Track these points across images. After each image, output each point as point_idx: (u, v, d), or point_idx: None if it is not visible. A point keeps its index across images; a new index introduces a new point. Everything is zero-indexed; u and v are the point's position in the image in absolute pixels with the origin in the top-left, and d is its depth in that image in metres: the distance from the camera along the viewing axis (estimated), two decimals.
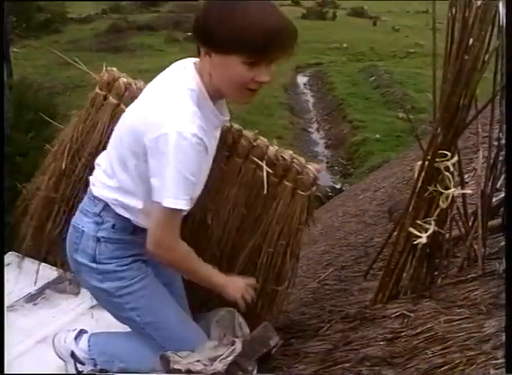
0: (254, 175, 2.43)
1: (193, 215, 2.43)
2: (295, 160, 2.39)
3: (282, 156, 2.40)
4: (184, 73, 2.07)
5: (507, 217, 2.15)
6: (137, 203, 2.13)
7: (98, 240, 2.21)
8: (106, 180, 2.20)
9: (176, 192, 1.95)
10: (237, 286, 2.30)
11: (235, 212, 2.51)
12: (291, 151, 2.44)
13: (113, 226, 2.20)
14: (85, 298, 3.33)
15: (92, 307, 3.22)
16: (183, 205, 1.97)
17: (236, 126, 2.46)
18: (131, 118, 2.10)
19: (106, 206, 2.19)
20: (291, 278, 2.58)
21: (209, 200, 2.48)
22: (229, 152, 2.41)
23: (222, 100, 2.17)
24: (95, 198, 2.23)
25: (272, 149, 2.41)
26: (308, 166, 2.41)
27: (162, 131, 1.91)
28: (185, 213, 2.05)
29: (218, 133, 2.22)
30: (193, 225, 2.53)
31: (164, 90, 2.05)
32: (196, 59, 2.11)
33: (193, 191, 2.04)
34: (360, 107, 23.34)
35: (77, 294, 3.75)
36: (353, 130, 20.45)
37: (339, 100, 24.37)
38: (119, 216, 2.18)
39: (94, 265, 2.23)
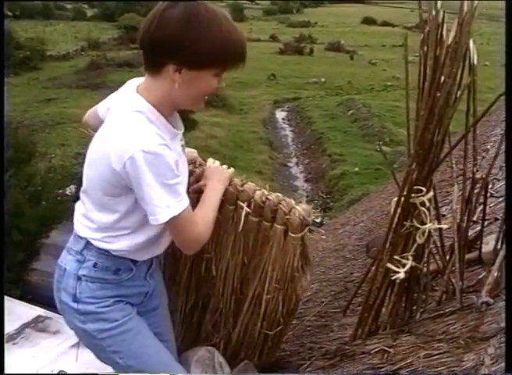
0: (247, 221, 2.43)
1: (199, 266, 2.55)
2: (282, 201, 2.38)
3: (267, 198, 2.40)
4: (128, 99, 2.08)
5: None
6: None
7: (79, 278, 2.20)
8: (84, 220, 2.20)
9: (164, 204, 1.96)
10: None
11: (234, 260, 2.52)
12: (279, 194, 2.44)
13: (94, 265, 2.19)
14: (65, 337, 3.30)
15: (73, 346, 3.20)
16: (179, 207, 1.99)
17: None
18: (95, 156, 2.10)
19: (88, 244, 2.18)
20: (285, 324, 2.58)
21: (211, 250, 2.52)
22: (221, 201, 2.41)
23: (174, 113, 2.19)
24: (77, 235, 2.22)
25: (259, 193, 2.40)
26: (296, 206, 2.40)
27: (127, 156, 1.91)
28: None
29: (177, 145, 2.19)
30: (199, 277, 2.61)
31: (114, 120, 2.04)
32: (136, 80, 2.14)
33: (182, 187, 2.05)
34: (338, 140, 23.53)
35: (57, 332, 3.72)
36: (332, 163, 20.59)
37: (318, 134, 24.59)
38: (101, 254, 2.17)
39: (75, 305, 2.21)
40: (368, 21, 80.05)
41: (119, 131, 1.97)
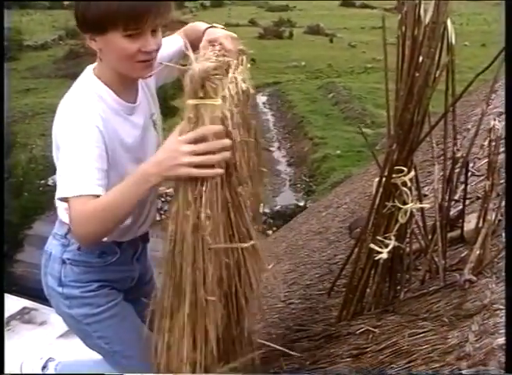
0: None
1: None
2: None
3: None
4: (79, 77, 2.13)
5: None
6: None
7: (64, 262, 2.21)
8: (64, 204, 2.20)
9: (66, 180, 1.87)
10: None
11: None
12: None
13: (79, 248, 2.19)
14: (52, 328, 3.30)
15: (60, 336, 3.20)
16: (74, 191, 1.83)
17: None
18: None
19: (71, 228, 2.18)
20: None
21: None
22: None
23: (131, 88, 2.18)
24: (60, 220, 2.23)
25: None
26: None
27: (56, 129, 1.97)
28: (89, 197, 1.84)
29: (138, 120, 2.18)
30: None
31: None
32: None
33: (98, 173, 1.90)
34: (320, 124, 23.58)
35: (43, 323, 3.72)
36: (314, 146, 20.66)
37: (299, 118, 24.64)
38: None
39: (60, 289, 2.22)
40: (347, 4, 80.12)
41: (60, 107, 2.01)
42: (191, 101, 1.71)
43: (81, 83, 2.09)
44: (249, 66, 2.26)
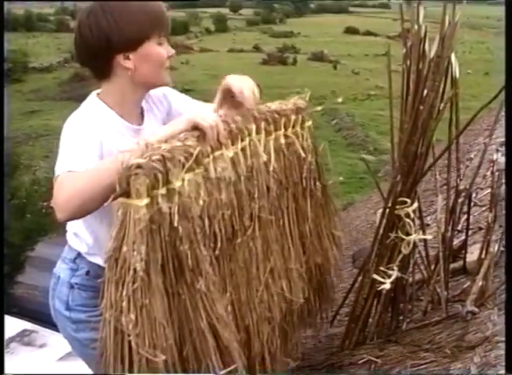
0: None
1: None
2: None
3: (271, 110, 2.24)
4: (84, 102, 2.15)
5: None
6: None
7: (72, 286, 2.22)
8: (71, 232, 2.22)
9: (63, 160, 1.90)
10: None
11: None
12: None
13: (87, 273, 2.21)
14: (52, 350, 3.29)
15: (60, 359, 3.19)
16: (65, 167, 1.86)
17: None
18: None
19: (80, 253, 2.20)
20: None
21: None
22: None
23: (135, 110, 2.20)
24: (69, 245, 2.24)
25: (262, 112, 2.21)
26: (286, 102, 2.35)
27: (61, 141, 1.98)
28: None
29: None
30: None
31: None
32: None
33: (88, 158, 1.89)
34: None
35: (43, 346, 3.71)
36: None
37: None
38: (94, 263, 2.19)
39: (67, 313, 2.23)
40: (351, 31, 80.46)
41: (64, 128, 2.03)
42: (118, 201, 1.62)
43: (86, 105, 2.13)
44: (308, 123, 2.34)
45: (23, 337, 4.06)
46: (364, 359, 2.26)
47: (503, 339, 1.88)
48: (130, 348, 1.67)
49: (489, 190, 2.36)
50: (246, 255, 2.09)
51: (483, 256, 2.31)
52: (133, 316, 1.63)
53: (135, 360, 1.66)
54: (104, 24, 2.00)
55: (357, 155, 22.24)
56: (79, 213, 1.82)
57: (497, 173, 2.27)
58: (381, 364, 2.17)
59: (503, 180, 2.29)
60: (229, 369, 1.89)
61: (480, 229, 2.94)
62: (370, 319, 2.41)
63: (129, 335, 1.65)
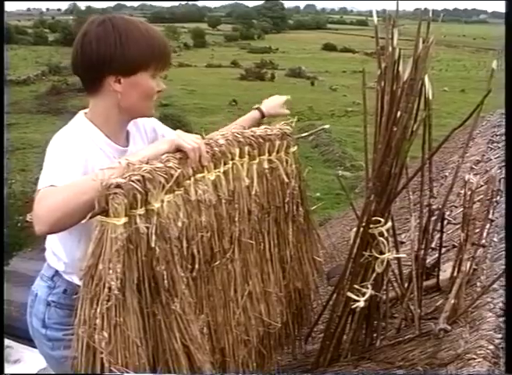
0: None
1: None
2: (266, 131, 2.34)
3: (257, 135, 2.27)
4: (71, 121, 2.17)
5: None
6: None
7: (49, 304, 2.22)
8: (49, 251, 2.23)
9: (46, 175, 1.92)
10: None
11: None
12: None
13: (64, 292, 2.21)
14: (26, 366, 3.27)
15: None
16: (46, 182, 1.87)
17: None
18: None
19: (58, 271, 2.21)
20: None
21: None
22: None
23: (122, 132, 2.22)
24: (48, 263, 2.25)
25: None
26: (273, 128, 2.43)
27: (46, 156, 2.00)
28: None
29: None
30: None
31: None
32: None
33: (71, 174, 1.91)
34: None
35: (17, 361, 3.69)
36: None
37: None
38: (71, 281, 2.19)
39: (43, 330, 2.23)
40: (329, 47, 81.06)
41: (49, 145, 2.04)
42: (96, 218, 1.65)
43: (73, 123, 2.15)
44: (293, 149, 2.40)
45: None
46: None
47: (475, 357, 1.91)
48: (102, 365, 1.67)
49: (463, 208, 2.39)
50: (224, 277, 2.11)
51: (455, 274, 2.34)
52: (106, 334, 1.64)
53: None
54: (111, 41, 2.01)
55: (333, 171, 22.34)
56: (58, 227, 1.82)
57: (469, 193, 2.30)
58: None
59: (476, 198, 2.33)
60: None
61: (454, 247, 2.98)
62: (344, 337, 2.43)
63: (101, 352, 1.65)
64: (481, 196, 2.70)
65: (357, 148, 24.85)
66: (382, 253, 2.25)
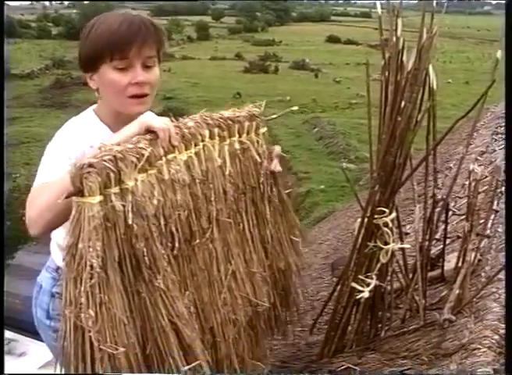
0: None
1: None
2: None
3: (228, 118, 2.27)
4: (80, 114, 2.20)
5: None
6: None
7: (53, 295, 2.23)
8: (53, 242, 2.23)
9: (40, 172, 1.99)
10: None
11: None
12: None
13: None
14: (31, 359, 3.28)
15: (40, 367, 3.18)
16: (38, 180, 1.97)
17: None
18: None
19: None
20: None
21: None
22: None
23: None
24: (53, 255, 2.26)
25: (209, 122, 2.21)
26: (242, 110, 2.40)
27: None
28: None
29: None
30: None
31: None
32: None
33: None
34: (304, 158, 23.64)
35: (23, 355, 3.70)
36: (297, 181, 20.64)
37: (283, 152, 24.65)
38: None
39: (48, 322, 2.24)
40: (333, 39, 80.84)
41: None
42: (73, 199, 1.67)
43: (79, 117, 2.16)
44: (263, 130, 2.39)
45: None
46: (343, 367, 2.28)
47: (480, 347, 1.91)
48: (92, 345, 1.68)
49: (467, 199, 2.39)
50: (206, 257, 2.12)
51: (460, 265, 2.34)
52: (92, 312, 1.66)
53: (97, 358, 1.68)
54: (81, 41, 2.06)
55: (338, 163, 22.31)
56: (49, 228, 1.90)
57: (474, 183, 2.30)
58: (359, 372, 2.19)
59: (481, 189, 2.33)
60: (192, 364, 1.90)
61: (458, 237, 2.97)
62: (349, 327, 2.43)
63: (89, 331, 1.67)
64: (486, 187, 2.70)
65: (361, 140, 24.81)
66: (386, 244, 2.25)
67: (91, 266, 1.64)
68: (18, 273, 12.86)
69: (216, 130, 2.15)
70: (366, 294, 2.27)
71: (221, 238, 2.19)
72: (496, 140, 5.18)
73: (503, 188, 3.11)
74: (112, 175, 1.68)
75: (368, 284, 2.28)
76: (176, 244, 1.95)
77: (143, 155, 1.79)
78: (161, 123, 1.91)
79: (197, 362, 1.92)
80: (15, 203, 13.61)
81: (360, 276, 2.30)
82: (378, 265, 2.29)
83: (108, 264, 1.69)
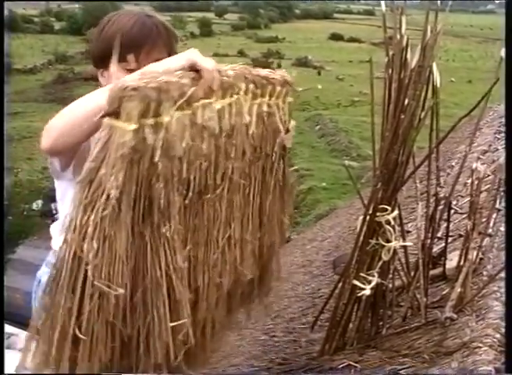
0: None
1: None
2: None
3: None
4: None
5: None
6: None
7: None
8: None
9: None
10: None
11: None
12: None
13: None
14: (31, 353, 3.26)
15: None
16: None
17: None
18: None
19: None
20: None
21: None
22: None
23: None
24: (53, 250, 2.25)
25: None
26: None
27: None
28: None
29: None
30: None
31: None
32: None
33: None
34: (306, 156, 23.64)
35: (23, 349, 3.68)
36: (299, 178, 20.65)
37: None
38: None
39: None
40: (336, 37, 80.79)
41: None
42: (104, 121, 1.58)
43: None
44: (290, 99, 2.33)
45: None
46: (344, 364, 2.28)
47: (481, 345, 1.91)
48: (85, 278, 1.62)
49: (470, 198, 2.38)
50: (210, 214, 2.04)
51: (462, 263, 2.34)
52: (95, 245, 1.59)
53: (87, 294, 1.63)
54: (93, 37, 2.12)
55: (340, 161, 22.32)
56: (62, 140, 1.81)
57: (476, 182, 2.30)
58: (360, 369, 2.19)
59: (484, 188, 2.32)
60: (178, 322, 1.83)
61: (460, 236, 2.97)
62: (350, 325, 2.43)
63: (87, 264, 1.60)
64: (489, 185, 2.70)
65: (363, 138, 24.81)
66: (388, 241, 2.25)
67: (108, 196, 1.57)
68: (18, 268, 12.89)
69: (251, 86, 2.06)
70: (367, 292, 2.27)
71: (228, 199, 2.12)
72: (498, 138, 5.17)
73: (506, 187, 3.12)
74: (152, 105, 1.58)
75: (370, 282, 2.28)
76: (190, 194, 1.87)
77: (185, 92, 1.70)
78: (209, 64, 1.81)
79: (183, 321, 1.86)
80: (16, 198, 13.63)
81: (362, 274, 2.30)
82: (380, 262, 2.28)
83: (123, 199, 1.61)
